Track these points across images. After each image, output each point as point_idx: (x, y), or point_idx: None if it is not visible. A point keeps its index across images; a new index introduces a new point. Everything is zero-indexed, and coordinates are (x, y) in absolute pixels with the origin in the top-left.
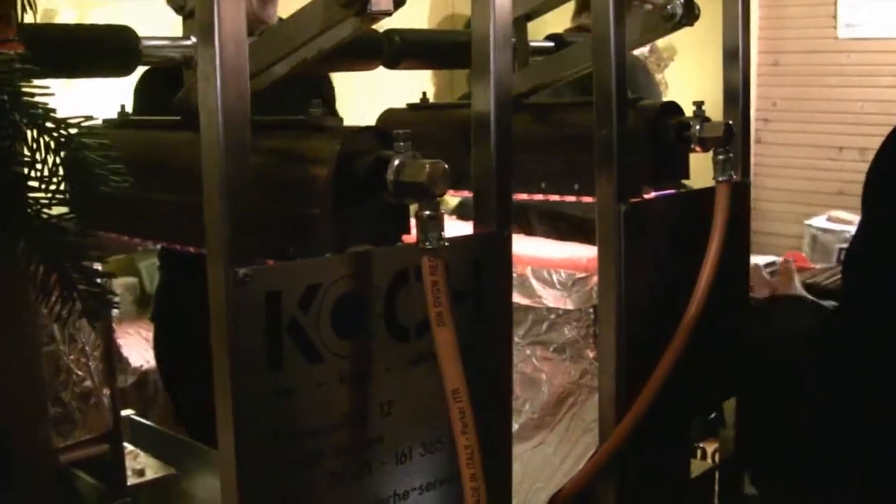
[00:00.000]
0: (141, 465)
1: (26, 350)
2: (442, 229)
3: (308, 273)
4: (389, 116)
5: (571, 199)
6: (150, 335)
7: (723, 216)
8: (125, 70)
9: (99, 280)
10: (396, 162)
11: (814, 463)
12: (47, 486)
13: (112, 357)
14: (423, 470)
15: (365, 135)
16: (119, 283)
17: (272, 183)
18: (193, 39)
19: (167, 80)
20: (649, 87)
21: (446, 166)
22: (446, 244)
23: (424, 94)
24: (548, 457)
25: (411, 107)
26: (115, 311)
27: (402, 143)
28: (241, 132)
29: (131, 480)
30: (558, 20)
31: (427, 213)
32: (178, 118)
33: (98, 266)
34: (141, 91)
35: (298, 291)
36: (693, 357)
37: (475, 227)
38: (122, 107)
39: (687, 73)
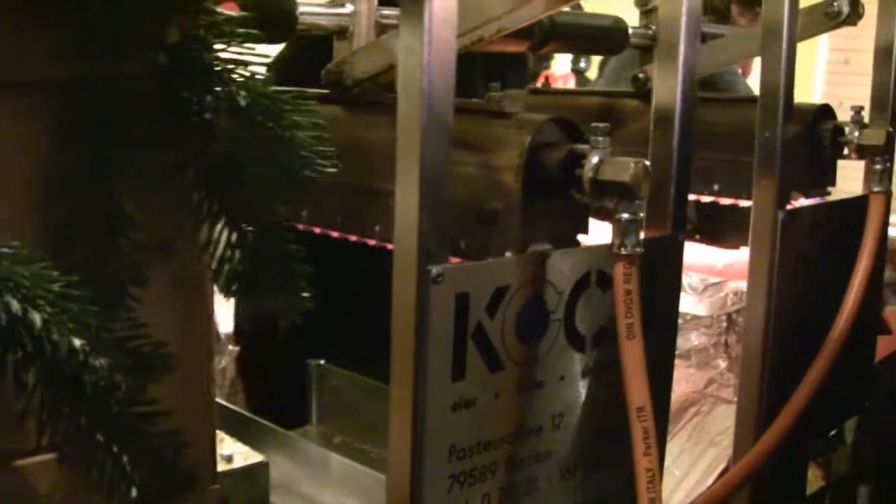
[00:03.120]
0: (229, 450)
1: (201, 346)
2: (640, 234)
3: (498, 274)
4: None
5: (708, 199)
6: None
7: (876, 229)
8: (280, 37)
9: (298, 271)
10: (595, 159)
11: None
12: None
13: (211, 337)
14: (586, 488)
15: (553, 125)
16: None
17: (451, 173)
18: (350, 7)
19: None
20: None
21: (648, 164)
22: (641, 251)
23: (547, 78)
24: (667, 467)
25: (532, 91)
26: None
27: (600, 139)
28: (444, 114)
29: (220, 467)
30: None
31: (626, 216)
32: (324, 91)
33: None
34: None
35: (487, 294)
36: (831, 373)
37: (647, 229)
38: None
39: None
